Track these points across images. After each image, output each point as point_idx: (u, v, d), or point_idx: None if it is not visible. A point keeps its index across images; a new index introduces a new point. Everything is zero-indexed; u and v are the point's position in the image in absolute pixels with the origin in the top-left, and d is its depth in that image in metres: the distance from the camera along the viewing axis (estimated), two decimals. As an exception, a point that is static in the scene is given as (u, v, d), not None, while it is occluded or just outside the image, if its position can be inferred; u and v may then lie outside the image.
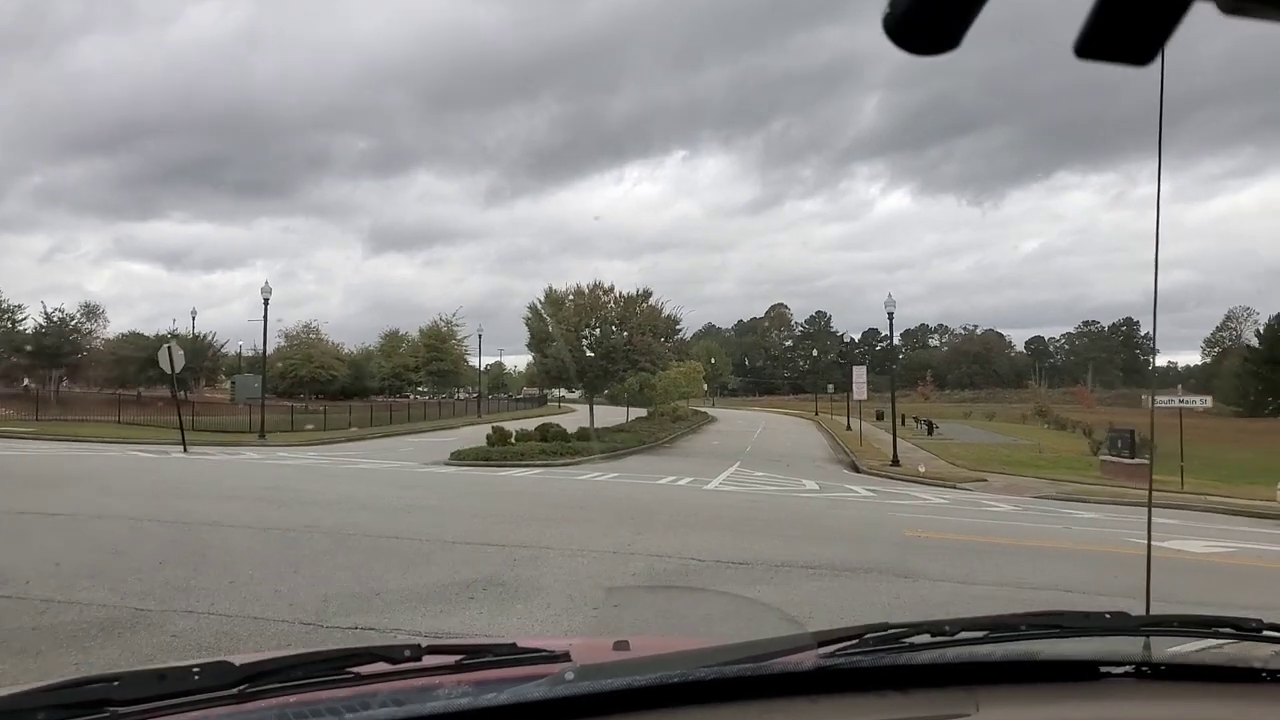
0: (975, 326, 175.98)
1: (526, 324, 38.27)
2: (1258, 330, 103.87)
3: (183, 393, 46.84)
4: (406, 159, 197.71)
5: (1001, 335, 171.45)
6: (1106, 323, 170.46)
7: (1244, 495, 25.83)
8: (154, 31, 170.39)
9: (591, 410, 39.80)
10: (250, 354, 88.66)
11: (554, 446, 29.77)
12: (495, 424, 34.12)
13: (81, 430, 35.72)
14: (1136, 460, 29.21)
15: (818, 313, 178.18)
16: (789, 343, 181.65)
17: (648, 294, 38.33)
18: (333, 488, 17.22)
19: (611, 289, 38.30)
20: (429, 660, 1.53)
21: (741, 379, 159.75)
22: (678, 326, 38.57)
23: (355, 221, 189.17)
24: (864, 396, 45.10)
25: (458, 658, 1.59)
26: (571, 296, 37.90)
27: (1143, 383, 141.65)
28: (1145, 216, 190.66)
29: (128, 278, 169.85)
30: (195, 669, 1.39)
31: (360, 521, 12.45)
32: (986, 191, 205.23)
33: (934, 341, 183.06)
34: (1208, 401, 27.61)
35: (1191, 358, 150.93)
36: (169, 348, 27.08)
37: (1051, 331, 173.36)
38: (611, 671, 1.42)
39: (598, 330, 37.65)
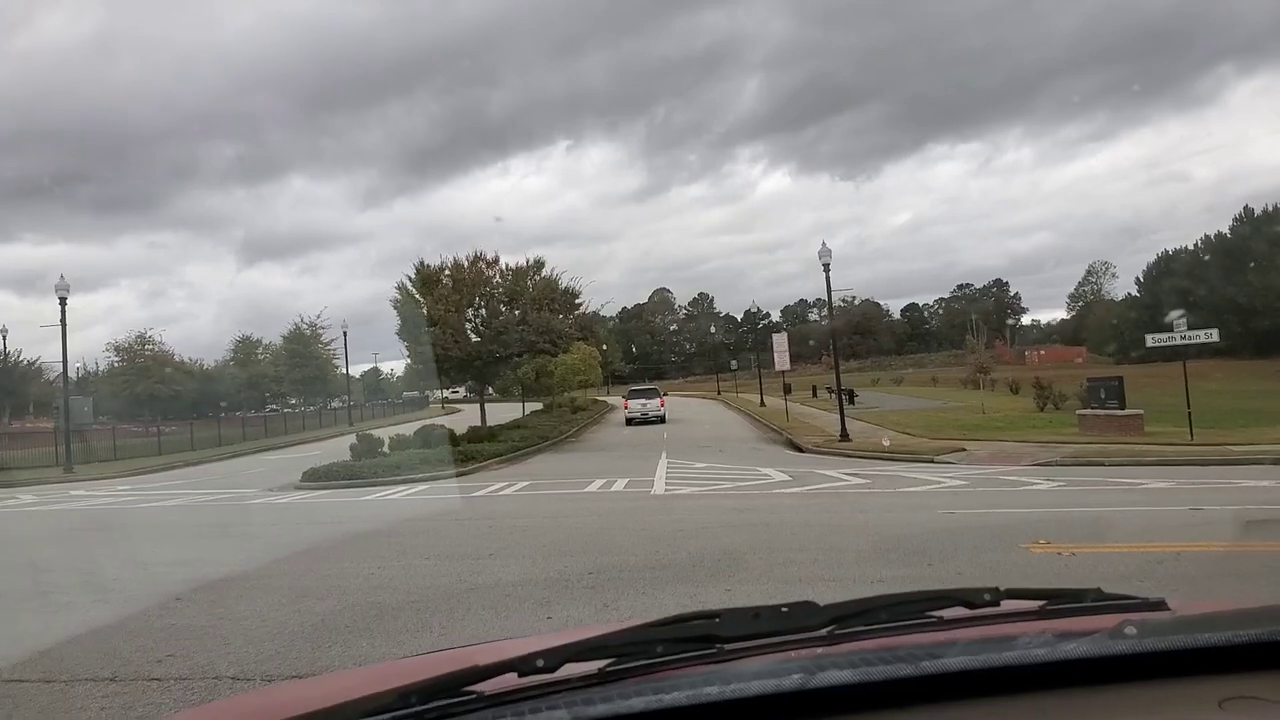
0: (854, 298, 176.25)
1: (395, 308, 31.55)
2: (1137, 279, 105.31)
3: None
4: (279, 164, 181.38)
5: (879, 305, 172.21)
6: (978, 285, 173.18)
7: (1269, 441, 21.88)
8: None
9: (483, 405, 33.55)
10: (87, 374, 78.14)
11: (439, 454, 23.49)
12: (365, 432, 27.55)
13: None
14: (1129, 411, 25.08)
15: (700, 294, 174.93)
16: (674, 327, 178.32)
17: (540, 263, 32.18)
18: (77, 558, 10.71)
19: (496, 260, 32.00)
20: (1008, 605, 1.48)
21: (631, 365, 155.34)
22: (578, 300, 32.53)
23: (227, 233, 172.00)
24: (787, 366, 40.29)
25: (1040, 603, 1.51)
26: (448, 271, 31.34)
27: (1021, 339, 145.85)
28: (1010, 183, 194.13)
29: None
30: (784, 608, 1.40)
31: (35, 641, 6.25)
32: (860, 167, 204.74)
33: (813, 315, 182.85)
34: (1214, 335, 23.63)
35: (1056, 313, 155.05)
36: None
37: (925, 298, 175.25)
38: (1201, 625, 1.33)
39: (484, 309, 31.28)
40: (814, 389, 63.00)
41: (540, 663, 1.22)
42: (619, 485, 17.48)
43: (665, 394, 46.41)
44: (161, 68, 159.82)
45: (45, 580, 8.72)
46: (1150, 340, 23.88)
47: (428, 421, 32.42)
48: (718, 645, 1.29)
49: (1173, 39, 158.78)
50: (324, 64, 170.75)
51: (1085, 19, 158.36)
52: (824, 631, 1.34)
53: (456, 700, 1.17)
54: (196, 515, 15.46)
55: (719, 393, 78.77)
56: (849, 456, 24.52)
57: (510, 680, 1.21)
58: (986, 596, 1.45)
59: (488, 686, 1.20)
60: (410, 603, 7.06)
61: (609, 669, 1.24)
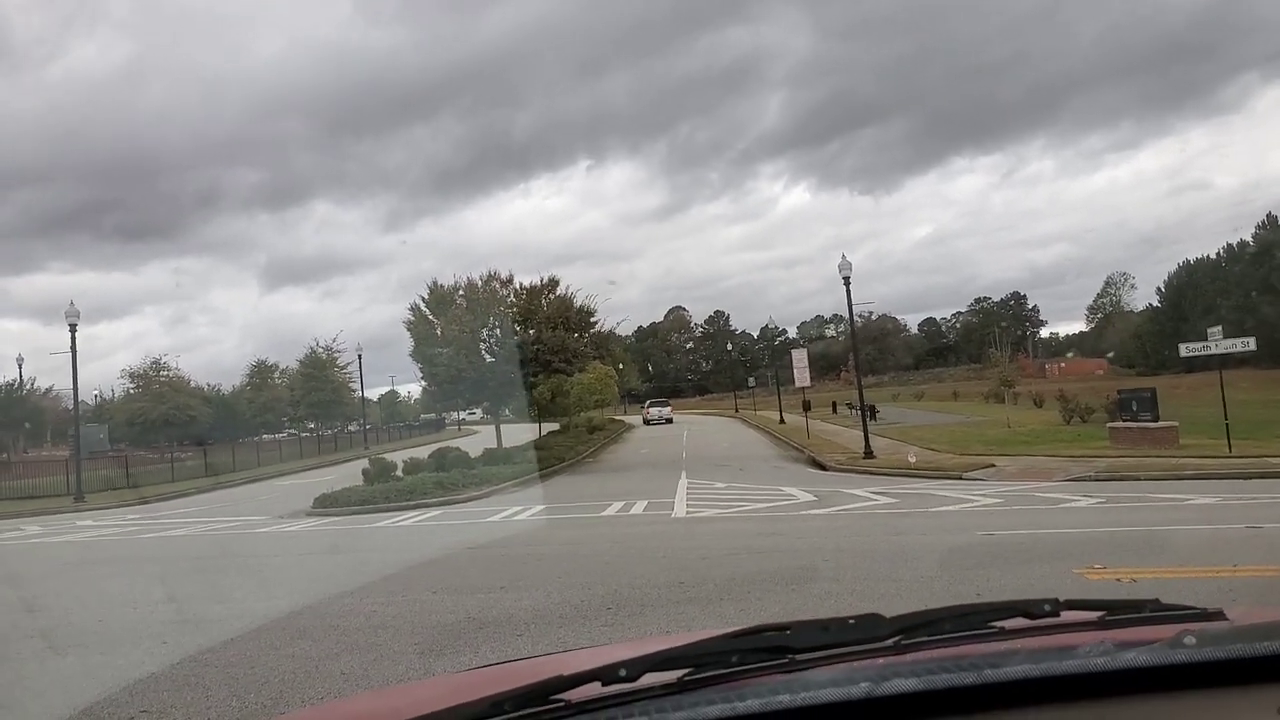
0: (871, 313, 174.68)
1: (408, 329, 31.13)
2: (1158, 289, 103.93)
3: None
4: (302, 189, 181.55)
5: (896, 319, 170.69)
6: (996, 298, 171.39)
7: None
8: (31, 73, 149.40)
9: (498, 426, 33.02)
10: (103, 401, 78.25)
11: (454, 477, 22.95)
12: (378, 456, 27.06)
13: None
14: (1163, 424, 24.28)
15: (716, 312, 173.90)
16: (689, 345, 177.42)
17: (554, 282, 31.82)
18: (63, 598, 10.19)
19: (510, 279, 31.64)
20: (1067, 616, 1.51)
21: (646, 384, 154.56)
22: (593, 319, 32.09)
23: (251, 257, 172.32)
24: (807, 383, 39.57)
25: (1099, 614, 1.53)
26: (462, 291, 30.95)
27: (1040, 353, 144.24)
28: (1031, 194, 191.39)
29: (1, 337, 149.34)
30: (851, 620, 1.44)
31: None
32: (880, 182, 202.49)
33: (830, 332, 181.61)
34: (1250, 344, 22.78)
35: (1075, 326, 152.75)
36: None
37: (942, 312, 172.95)
38: (1260, 634, 1.29)
39: (498, 329, 30.83)
40: (834, 405, 62.14)
41: (623, 672, 1.26)
42: (638, 508, 16.87)
43: (672, 407, 72.17)
44: (188, 95, 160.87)
45: None
46: (1184, 350, 23.11)
47: (443, 444, 31.89)
48: (789, 655, 1.33)
49: (1197, 48, 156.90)
50: (349, 89, 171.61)
51: (1108, 29, 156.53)
52: (890, 642, 1.38)
53: (546, 708, 1.22)
54: (198, 546, 14.96)
55: (736, 410, 78.02)
56: (874, 474, 23.82)
57: (594, 689, 1.25)
58: (1047, 607, 1.50)
59: (574, 695, 1.24)
60: (413, 645, 6.48)
61: (687, 678, 1.27)
